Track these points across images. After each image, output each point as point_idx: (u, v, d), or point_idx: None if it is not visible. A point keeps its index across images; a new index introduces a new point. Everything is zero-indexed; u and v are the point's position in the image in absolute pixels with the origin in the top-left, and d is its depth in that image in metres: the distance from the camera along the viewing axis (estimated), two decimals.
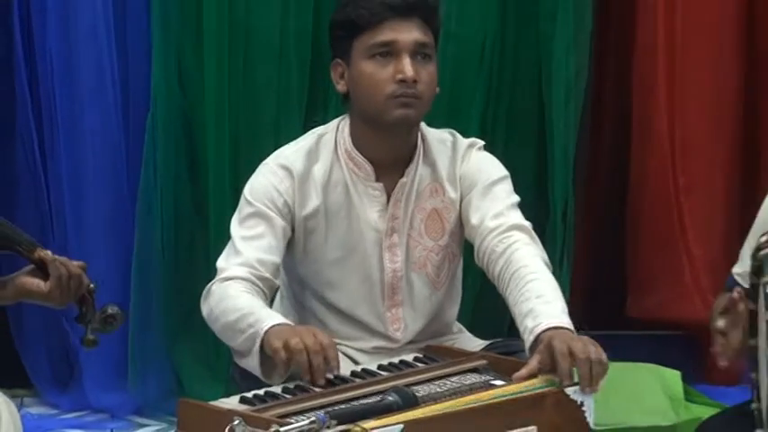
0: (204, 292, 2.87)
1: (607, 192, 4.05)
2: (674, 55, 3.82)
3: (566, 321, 2.74)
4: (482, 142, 3.05)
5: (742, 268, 3.13)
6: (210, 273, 2.93)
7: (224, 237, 3.01)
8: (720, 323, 2.83)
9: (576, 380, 2.67)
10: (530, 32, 3.73)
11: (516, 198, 2.97)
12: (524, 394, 2.65)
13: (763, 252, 2.82)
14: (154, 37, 3.64)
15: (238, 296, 2.82)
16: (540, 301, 2.79)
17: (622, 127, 3.95)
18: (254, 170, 3.07)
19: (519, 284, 2.83)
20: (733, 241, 3.62)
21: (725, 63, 3.89)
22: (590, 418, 2.70)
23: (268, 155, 3.10)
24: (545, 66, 3.68)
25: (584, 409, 2.68)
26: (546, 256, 2.90)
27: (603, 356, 2.66)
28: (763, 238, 2.87)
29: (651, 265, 3.90)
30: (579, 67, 3.71)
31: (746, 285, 2.92)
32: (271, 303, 3.01)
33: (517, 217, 2.94)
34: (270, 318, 2.72)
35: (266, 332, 2.67)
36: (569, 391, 2.66)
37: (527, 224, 2.93)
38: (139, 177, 3.69)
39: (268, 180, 2.95)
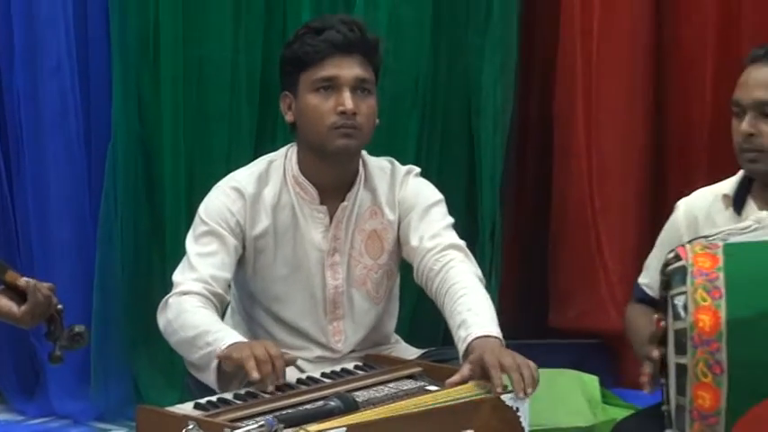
0: (161, 304, 2.86)
1: (531, 213, 4.07)
2: (590, 89, 3.86)
3: (495, 331, 2.76)
4: (418, 169, 3.06)
5: (647, 278, 3.19)
6: (167, 287, 2.92)
7: (179, 255, 3.00)
8: (656, 352, 2.87)
9: (509, 388, 2.68)
10: (460, 67, 3.75)
11: (451, 220, 2.99)
12: (463, 400, 2.66)
13: (670, 268, 2.88)
14: (114, 72, 3.63)
15: (195, 312, 2.82)
16: (472, 313, 2.80)
17: (544, 154, 3.98)
18: (206, 195, 3.07)
19: (453, 298, 2.85)
20: (644, 256, 3.65)
21: (636, 97, 3.94)
22: (525, 423, 2.73)
23: (219, 180, 3.10)
24: (474, 98, 3.70)
25: (519, 414, 2.71)
26: (480, 273, 2.92)
27: (533, 366, 2.69)
28: (670, 255, 2.93)
29: (571, 280, 3.93)
30: (505, 99, 3.73)
31: (654, 295, 3.01)
32: (222, 316, 3.00)
33: (452, 237, 2.95)
34: (227, 337, 2.73)
35: (228, 346, 2.69)
36: (505, 397, 2.68)
37: (462, 243, 2.94)
38: (101, 201, 3.67)
39: (221, 201, 2.95)
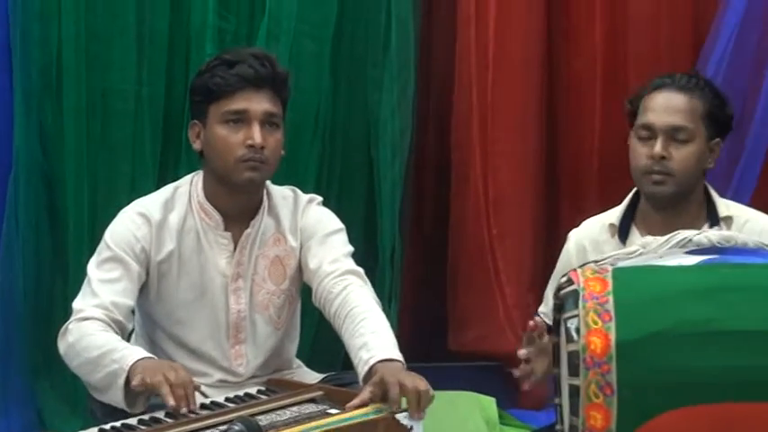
0: (61, 331, 2.83)
1: (430, 239, 4.08)
2: (486, 119, 3.89)
3: (396, 354, 2.78)
4: (320, 198, 3.09)
5: (546, 308, 3.26)
6: (69, 315, 2.89)
7: (81, 283, 2.98)
8: (522, 351, 2.95)
9: (404, 407, 2.69)
10: (359, 99, 3.77)
11: (351, 248, 3.02)
12: (357, 420, 2.68)
13: (563, 292, 2.93)
14: (16, 103, 3.59)
15: (98, 333, 2.79)
16: (374, 337, 2.82)
17: (443, 182, 4.00)
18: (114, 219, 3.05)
19: (354, 321, 2.87)
20: (540, 281, 3.70)
21: (530, 127, 3.99)
22: None
23: (128, 203, 3.09)
24: (373, 128, 3.71)
25: None
26: (377, 298, 2.95)
27: (429, 388, 2.71)
28: (563, 279, 2.98)
29: (469, 304, 3.95)
30: (403, 128, 3.76)
31: (551, 323, 3.05)
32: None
33: (351, 264, 2.98)
34: (133, 354, 2.71)
35: (131, 367, 2.66)
36: (400, 416, 2.71)
37: (360, 270, 2.97)
38: (1, 231, 3.61)
39: (126, 227, 2.94)
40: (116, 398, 2.72)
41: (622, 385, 2.80)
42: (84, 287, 2.91)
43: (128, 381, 2.66)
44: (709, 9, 3.93)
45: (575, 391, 2.82)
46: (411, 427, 2.75)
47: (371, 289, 2.98)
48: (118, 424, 2.65)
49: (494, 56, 3.89)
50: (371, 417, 2.72)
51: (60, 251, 3.66)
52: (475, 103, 3.89)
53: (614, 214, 3.30)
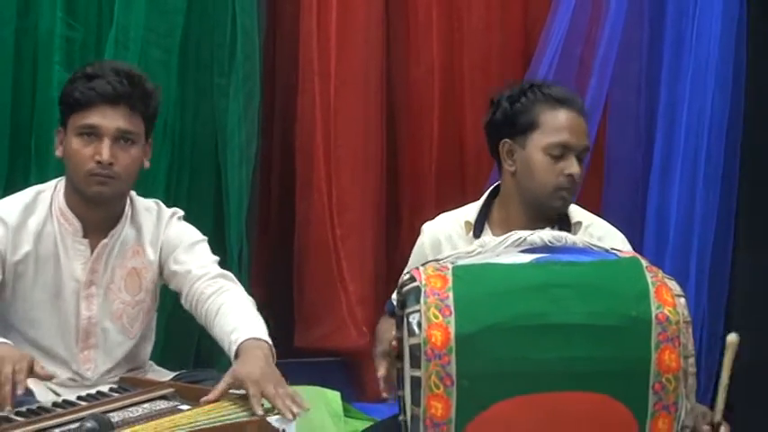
0: None
1: (276, 240, 4.07)
2: (329, 126, 3.91)
3: (264, 337, 2.83)
4: (182, 212, 3.09)
5: (397, 295, 3.27)
6: None
7: None
8: (381, 371, 2.99)
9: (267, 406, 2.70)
10: (206, 106, 3.73)
11: (217, 258, 3.04)
12: (227, 422, 2.66)
13: (405, 288, 2.95)
14: None
15: None
16: (244, 322, 2.86)
17: (288, 186, 4.00)
18: None
19: (227, 312, 2.89)
20: (381, 279, 3.74)
21: (371, 134, 4.02)
22: None
23: None
24: (221, 135, 3.68)
25: None
26: (250, 297, 2.98)
27: (300, 398, 2.75)
28: (406, 277, 2.99)
29: (314, 302, 3.95)
30: (250, 135, 3.74)
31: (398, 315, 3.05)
32: None
33: (220, 269, 3.01)
34: None
35: None
36: (272, 419, 2.70)
37: (230, 273, 3.00)
38: None
39: None
40: None
41: (461, 375, 2.82)
42: None
43: None
44: (537, 23, 4.00)
45: (416, 383, 2.83)
46: (284, 430, 2.75)
47: (243, 289, 3.00)
48: None
49: (335, 66, 3.90)
50: (242, 419, 2.71)
51: None
52: (318, 111, 3.90)
53: (471, 212, 3.29)
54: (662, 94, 3.80)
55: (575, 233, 3.20)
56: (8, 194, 3.23)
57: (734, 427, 3.16)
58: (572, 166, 3.14)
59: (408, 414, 2.89)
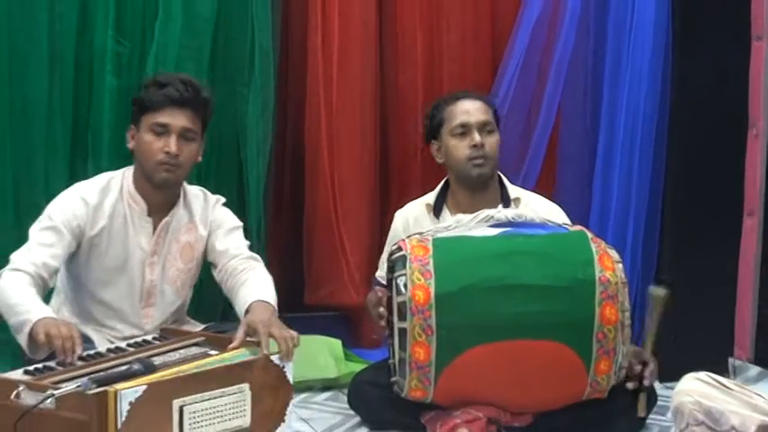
0: None
1: (289, 218, 4.03)
2: (331, 124, 3.86)
3: (271, 300, 2.88)
4: (224, 199, 3.14)
5: (381, 272, 3.28)
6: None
7: (10, 250, 2.93)
8: (382, 310, 3.03)
9: (274, 350, 2.73)
10: (230, 110, 3.69)
11: (248, 242, 3.09)
12: (237, 361, 2.70)
13: (394, 256, 2.99)
14: None
15: (20, 285, 2.75)
16: (257, 290, 2.91)
17: (298, 174, 3.96)
18: (31, 211, 3.04)
19: (249, 284, 2.94)
20: (374, 250, 3.71)
21: (366, 130, 3.97)
22: (290, 376, 2.80)
23: (41, 197, 3.10)
24: (241, 134, 3.65)
25: (285, 370, 2.78)
26: (270, 277, 3.00)
27: (295, 334, 2.77)
28: (394, 248, 3.03)
29: (320, 268, 3.92)
30: (265, 133, 3.70)
31: (385, 283, 3.06)
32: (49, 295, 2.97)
33: (250, 252, 3.06)
34: (39, 311, 2.67)
35: (35, 323, 2.63)
36: (274, 358, 2.74)
37: (258, 257, 3.05)
38: None
39: (68, 205, 2.92)
40: (22, 341, 2.68)
41: (439, 327, 2.85)
42: (25, 246, 2.86)
43: (33, 332, 2.63)
44: (503, 38, 3.97)
45: (403, 333, 2.87)
46: (284, 366, 2.78)
47: (265, 269, 3.04)
48: (40, 365, 2.61)
49: (337, 77, 3.86)
50: (250, 357, 2.74)
51: None
52: (323, 114, 3.85)
53: (431, 197, 3.39)
54: (604, 97, 3.77)
55: (516, 206, 3.28)
56: (72, 179, 3.27)
57: (662, 365, 3.17)
58: (474, 139, 3.23)
59: (396, 358, 2.93)
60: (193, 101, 2.94)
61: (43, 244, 2.84)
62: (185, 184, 3.06)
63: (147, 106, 2.93)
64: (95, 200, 2.94)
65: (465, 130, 3.25)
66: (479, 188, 3.27)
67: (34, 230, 2.89)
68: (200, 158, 3.04)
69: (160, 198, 2.99)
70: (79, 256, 2.96)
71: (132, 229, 2.97)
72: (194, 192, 3.09)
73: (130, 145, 2.99)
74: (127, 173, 3.02)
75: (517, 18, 3.86)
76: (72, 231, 2.89)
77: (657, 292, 3.15)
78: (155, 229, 2.99)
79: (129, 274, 3.00)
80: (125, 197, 2.98)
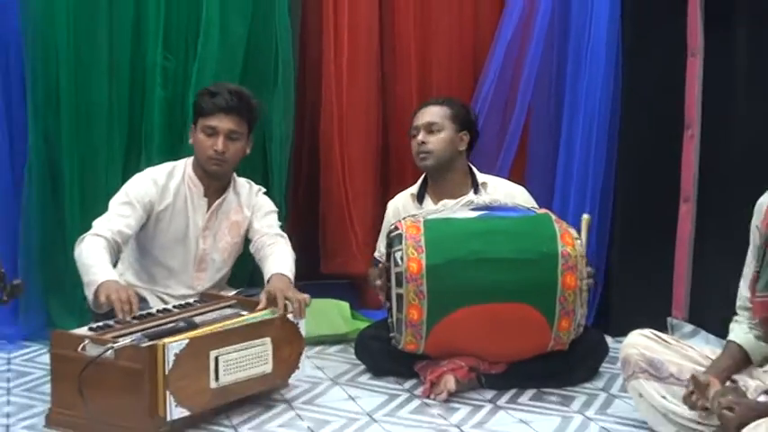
0: (80, 238, 2.84)
1: (307, 201, 4.02)
2: (342, 122, 3.86)
3: (288, 273, 2.91)
4: (264, 189, 3.20)
5: (378, 253, 3.31)
6: (67, 251, 2.92)
7: (77, 233, 2.94)
8: (379, 283, 3.05)
9: (290, 310, 2.77)
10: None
11: (280, 223, 3.13)
12: (260, 319, 2.75)
13: (392, 234, 3.01)
14: (29, 114, 3.46)
15: (96, 249, 2.79)
16: (279, 264, 2.94)
17: (315, 164, 3.95)
18: (93, 205, 3.12)
19: (271, 258, 2.96)
20: (376, 228, 3.66)
21: (371, 128, 3.97)
22: (303, 331, 2.85)
23: (102, 192, 3.17)
24: (267, 132, 3.63)
25: (298, 326, 2.83)
26: (293, 252, 3.05)
27: (307, 297, 2.81)
28: (392, 228, 3.05)
29: (334, 243, 3.92)
30: (287, 131, 3.69)
31: (384, 261, 3.07)
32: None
33: (280, 231, 3.10)
34: (105, 274, 2.71)
35: (100, 284, 2.67)
36: (290, 316, 2.78)
37: (285, 235, 3.09)
38: (22, 201, 3.47)
39: (141, 185, 2.97)
40: (89, 297, 2.72)
41: (429, 292, 2.87)
42: (105, 215, 2.91)
43: (97, 292, 2.67)
44: (483, 52, 3.96)
45: (400, 297, 2.90)
46: (297, 323, 2.82)
47: (289, 246, 3.06)
48: (101, 323, 2.65)
49: (347, 84, 3.85)
50: (269, 317, 2.78)
51: (60, 214, 3.51)
52: (335, 114, 3.84)
53: (415, 187, 3.42)
54: (565, 103, 3.76)
55: (484, 190, 3.28)
56: (127, 173, 3.28)
57: (613, 323, 3.17)
58: (417, 138, 3.29)
59: (394, 318, 2.96)
60: (239, 107, 2.97)
61: (120, 215, 2.90)
62: (235, 174, 3.11)
63: (201, 111, 2.97)
64: (163, 182, 2.98)
65: (415, 131, 3.29)
66: (434, 177, 3.32)
67: (113, 203, 2.94)
68: (248, 151, 3.08)
69: (214, 184, 3.03)
70: (148, 228, 3.00)
71: (191, 207, 3.02)
72: (242, 182, 3.13)
73: (191, 141, 3.03)
74: (188, 161, 3.06)
75: (494, 36, 3.86)
76: (144, 206, 2.94)
77: (585, 216, 3.13)
78: (209, 207, 3.03)
79: (187, 243, 3.04)
80: (186, 181, 3.02)
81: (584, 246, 3.02)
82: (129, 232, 2.90)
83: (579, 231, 3.04)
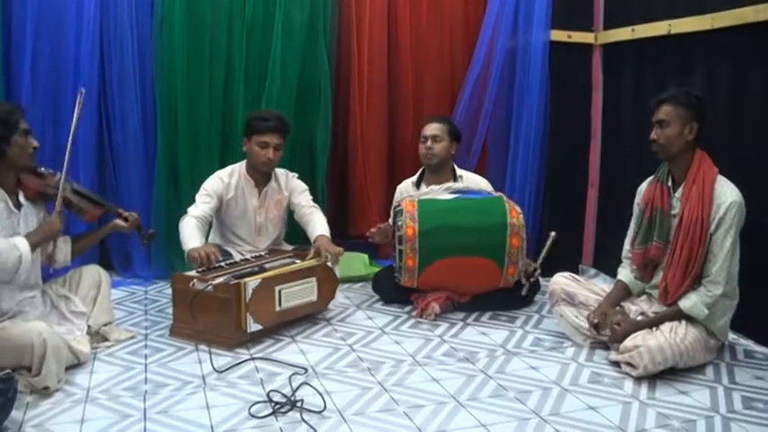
0: (182, 217, 2.83)
1: (339, 184, 3.90)
2: (363, 129, 3.76)
3: (327, 233, 2.86)
4: (297, 174, 3.08)
5: (390, 221, 3.22)
6: (182, 213, 2.85)
7: (186, 203, 2.94)
8: (377, 239, 3.00)
9: (329, 259, 2.76)
10: (306, 121, 3.59)
11: (311, 197, 3.04)
12: (308, 265, 2.75)
13: (397, 209, 2.98)
14: (159, 128, 3.37)
15: (190, 226, 2.77)
16: (318, 226, 2.89)
17: (345, 158, 3.84)
18: (200, 182, 2.99)
19: (312, 223, 2.92)
20: (388, 204, 3.60)
21: (383, 132, 3.80)
22: (337, 273, 2.84)
23: (206, 175, 3.01)
24: (313, 136, 3.56)
25: (334, 270, 2.83)
26: (325, 218, 2.95)
27: (340, 249, 2.80)
28: (396, 204, 3.01)
29: (357, 213, 3.84)
30: (327, 136, 3.60)
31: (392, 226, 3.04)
32: (209, 229, 2.97)
33: (313, 203, 3.02)
34: (193, 243, 2.70)
35: (188, 250, 2.67)
36: (329, 263, 2.78)
37: (317, 206, 3.01)
38: (155, 174, 3.38)
39: (214, 182, 2.93)
40: (186, 259, 2.70)
41: (420, 248, 2.88)
42: (195, 203, 2.88)
43: (188, 254, 2.66)
44: (458, 79, 3.86)
45: (400, 252, 2.91)
46: (333, 268, 2.82)
47: (321, 212, 3.01)
48: (205, 268, 2.66)
49: (366, 103, 3.76)
50: (315, 263, 2.77)
51: (178, 193, 3.45)
52: (358, 123, 3.75)
53: (415, 177, 3.36)
54: (513, 115, 3.69)
55: (461, 180, 3.20)
56: (224, 160, 3.27)
57: (543, 270, 3.16)
58: (426, 144, 3.16)
59: (397, 265, 2.97)
60: (280, 127, 2.93)
61: (204, 202, 2.90)
62: (276, 168, 3.05)
63: (256, 130, 2.91)
64: (227, 179, 2.96)
65: (424, 139, 3.23)
66: (433, 170, 3.27)
67: (199, 195, 2.95)
68: (281, 154, 2.98)
69: (262, 178, 3.01)
70: (221, 210, 2.99)
71: (248, 195, 2.99)
72: (280, 171, 3.08)
73: (245, 148, 2.97)
74: (242, 164, 3.02)
75: (468, 71, 3.77)
76: (217, 196, 2.93)
77: (552, 235, 3.12)
78: (259, 194, 3.01)
79: (248, 219, 3.02)
80: (242, 177, 2.99)
81: (546, 251, 3.01)
82: (210, 213, 2.91)
83: (545, 244, 3.03)
